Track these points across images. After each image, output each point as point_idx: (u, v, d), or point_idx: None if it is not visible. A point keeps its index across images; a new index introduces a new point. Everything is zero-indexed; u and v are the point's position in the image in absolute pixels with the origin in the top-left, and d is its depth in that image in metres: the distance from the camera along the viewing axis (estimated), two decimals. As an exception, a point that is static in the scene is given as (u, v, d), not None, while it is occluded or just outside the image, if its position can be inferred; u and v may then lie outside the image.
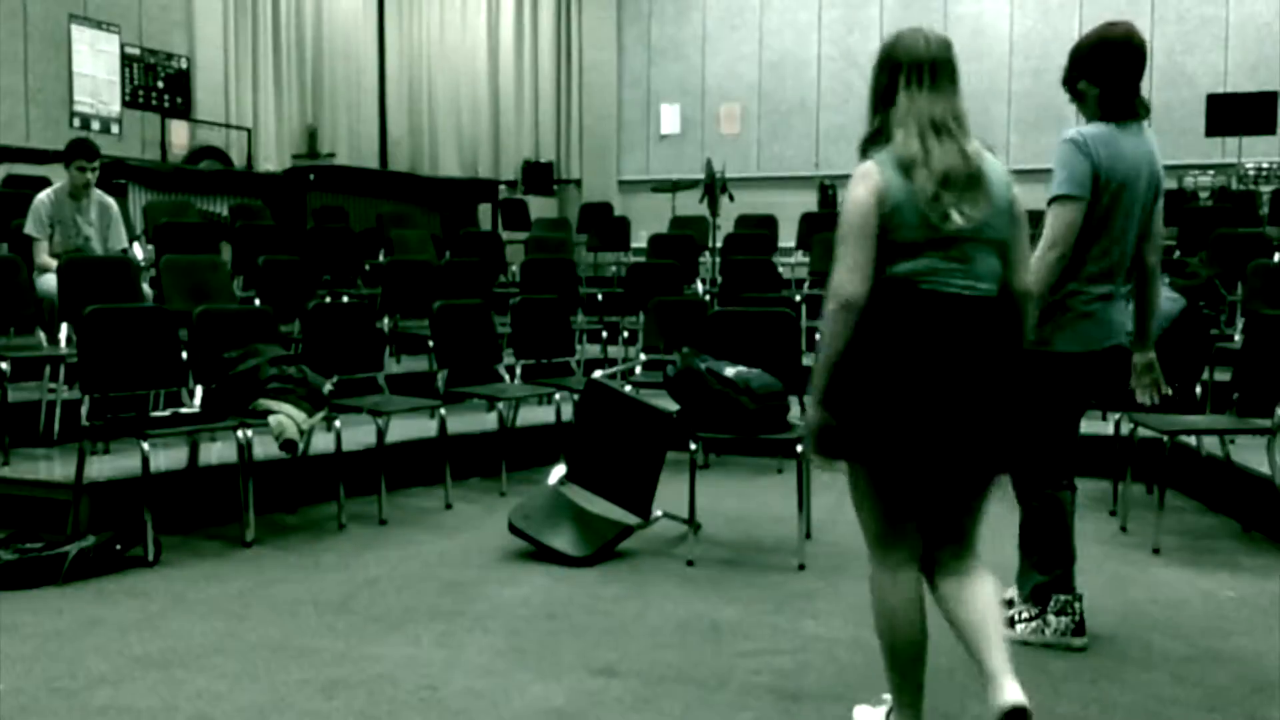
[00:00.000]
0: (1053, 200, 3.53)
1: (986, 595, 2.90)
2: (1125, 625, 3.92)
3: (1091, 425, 4.99)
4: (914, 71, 2.74)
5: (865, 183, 2.67)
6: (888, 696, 2.96)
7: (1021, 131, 12.04)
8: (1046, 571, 3.69)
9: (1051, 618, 3.70)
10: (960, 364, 2.64)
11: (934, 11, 12.51)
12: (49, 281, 6.14)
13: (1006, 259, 2.73)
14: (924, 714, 2.90)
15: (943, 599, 2.90)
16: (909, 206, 2.63)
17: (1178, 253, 9.29)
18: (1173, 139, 11.56)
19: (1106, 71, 3.57)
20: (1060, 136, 3.61)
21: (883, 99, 2.80)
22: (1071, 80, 3.66)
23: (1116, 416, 5.56)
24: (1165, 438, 4.99)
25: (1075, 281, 3.54)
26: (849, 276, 2.63)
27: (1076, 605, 3.70)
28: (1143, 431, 5.20)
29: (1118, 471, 5.51)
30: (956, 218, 2.63)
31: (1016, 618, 3.75)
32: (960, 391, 2.64)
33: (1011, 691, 2.65)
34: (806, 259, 9.85)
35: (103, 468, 5.11)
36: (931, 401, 2.62)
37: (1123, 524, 5.31)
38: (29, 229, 6.51)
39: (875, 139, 2.76)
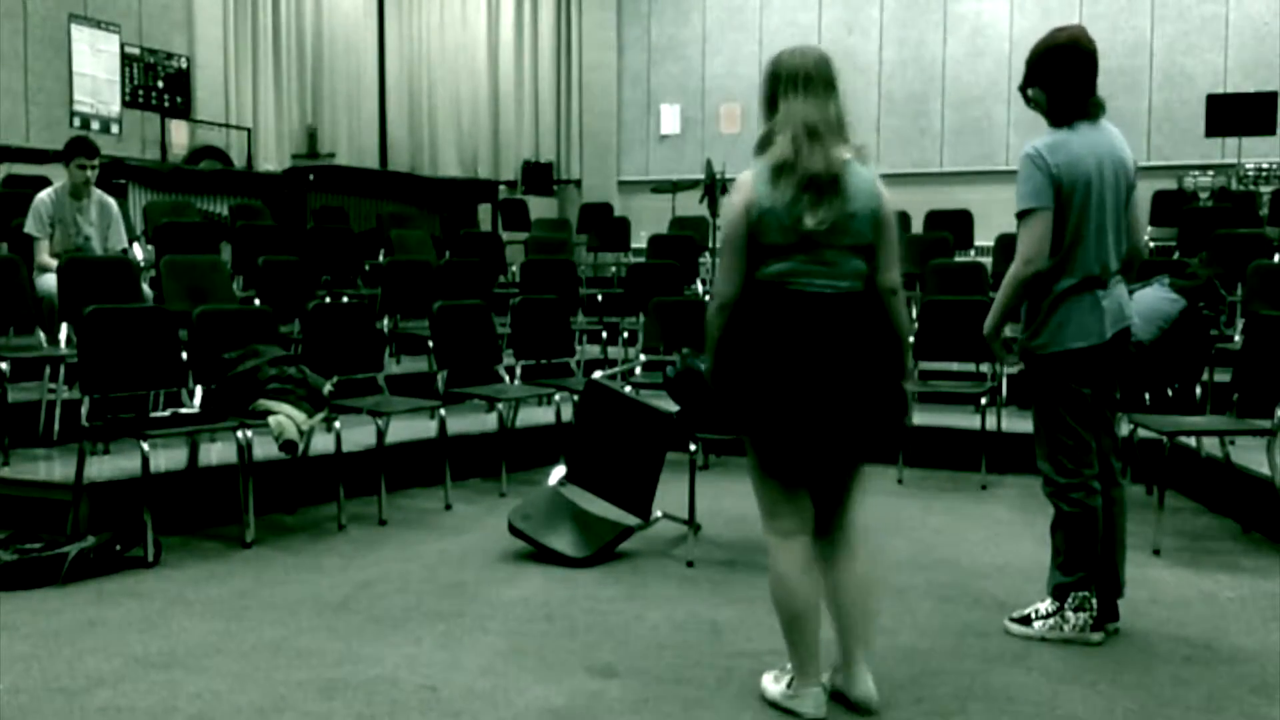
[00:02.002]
0: (1018, 216, 3.64)
1: (861, 579, 3.19)
2: (1125, 626, 3.91)
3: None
4: (791, 81, 3.04)
5: (738, 194, 3.03)
6: (790, 665, 3.20)
7: (1021, 132, 12.03)
8: (1070, 573, 3.73)
9: (1070, 614, 3.74)
10: (825, 355, 2.97)
11: (934, 11, 12.52)
12: (49, 281, 6.14)
13: (872, 260, 3.04)
14: (820, 675, 3.14)
15: (825, 572, 3.17)
16: (775, 212, 2.96)
17: (1177, 253, 9.29)
18: (1172, 139, 11.58)
19: (1055, 77, 3.69)
20: (1021, 153, 3.72)
21: (768, 107, 3.10)
22: (1024, 88, 3.77)
23: (1117, 418, 5.54)
24: (1165, 439, 4.99)
25: (1067, 278, 3.63)
26: (724, 280, 3.06)
27: (1094, 601, 3.73)
28: (1143, 432, 5.20)
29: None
30: (809, 220, 2.94)
31: (1034, 615, 3.80)
32: (826, 379, 2.97)
33: (865, 686, 3.12)
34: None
35: (103, 468, 5.11)
36: (801, 388, 2.97)
37: (1123, 525, 5.30)
38: (29, 228, 6.51)
39: (764, 144, 3.06)
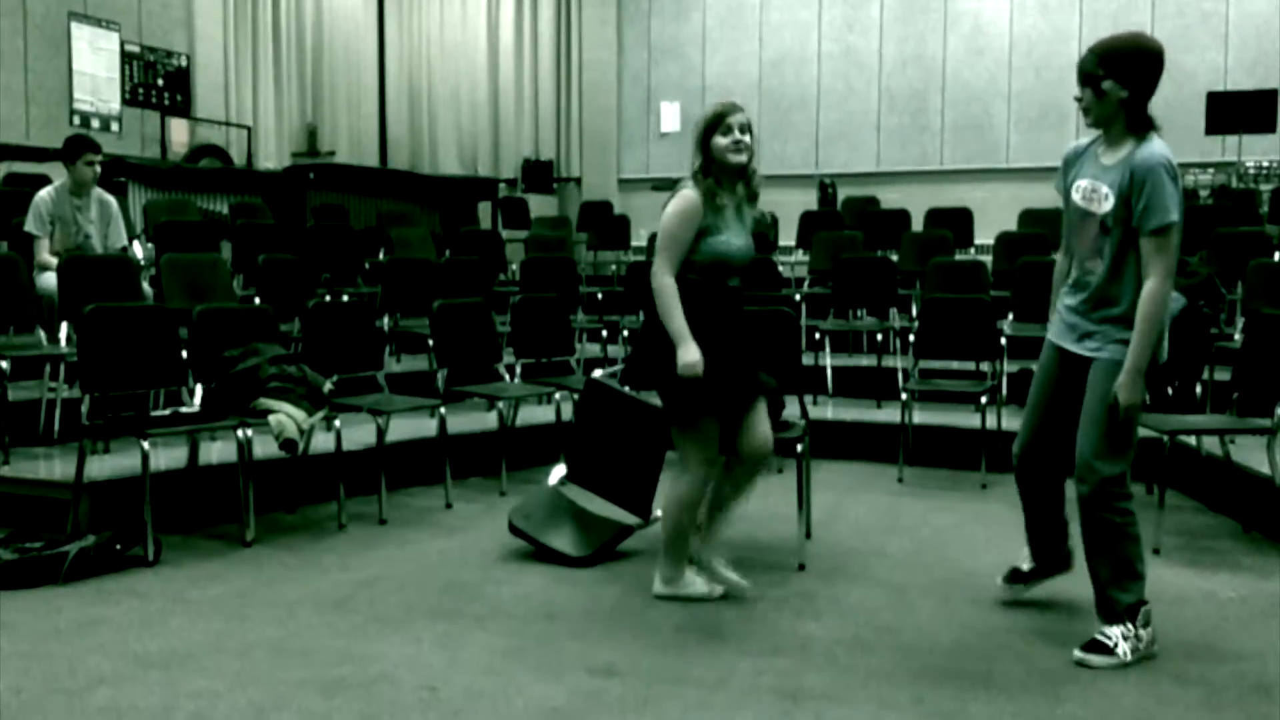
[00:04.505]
0: (1159, 230, 3.51)
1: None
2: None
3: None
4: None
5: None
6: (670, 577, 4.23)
7: (1021, 130, 12.04)
8: (1135, 590, 3.63)
9: (1142, 631, 3.62)
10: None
11: (934, 10, 12.52)
12: (49, 280, 6.14)
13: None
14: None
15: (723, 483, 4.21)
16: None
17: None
18: (1172, 137, 11.49)
19: (1143, 81, 3.58)
20: (1147, 158, 3.53)
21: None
22: (1095, 78, 3.61)
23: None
24: (1165, 437, 4.99)
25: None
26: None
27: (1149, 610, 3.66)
28: (1142, 431, 5.18)
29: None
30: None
31: (1109, 641, 3.59)
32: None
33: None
34: (806, 258, 9.85)
35: (103, 467, 5.11)
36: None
37: (1123, 523, 5.30)
38: (29, 226, 6.51)
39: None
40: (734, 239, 4.03)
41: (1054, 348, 3.85)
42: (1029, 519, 4.06)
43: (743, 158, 4.01)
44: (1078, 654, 3.60)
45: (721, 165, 4.01)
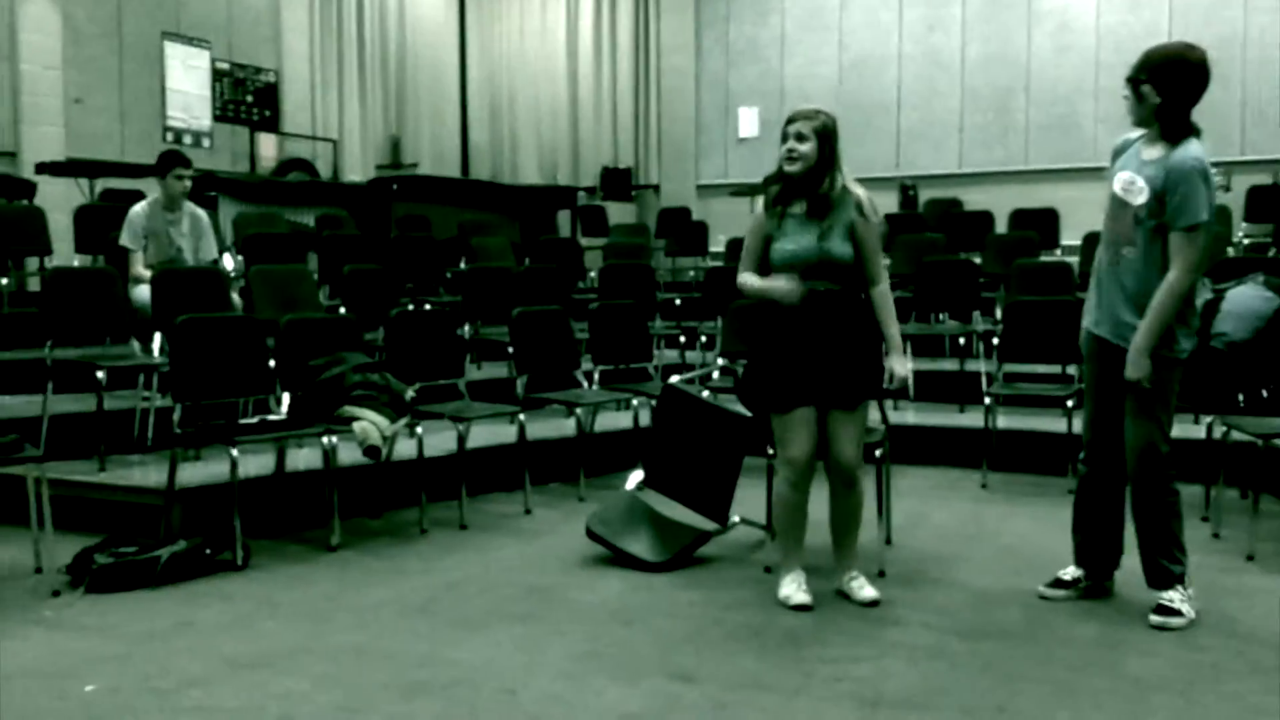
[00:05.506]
0: (1190, 228, 3.79)
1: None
2: (1219, 634, 3.81)
3: (1183, 429, 4.86)
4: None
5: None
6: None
7: (1110, 128, 11.74)
8: (1184, 559, 3.99)
9: (1191, 592, 3.98)
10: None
11: (1018, 6, 12.31)
12: (143, 292, 6.30)
13: None
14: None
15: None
16: None
17: (1273, 250, 9.01)
18: (1267, 132, 11.20)
19: (1174, 87, 3.82)
20: (1182, 161, 3.79)
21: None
22: (1137, 80, 3.88)
23: (1209, 419, 5.40)
24: (1259, 441, 4.84)
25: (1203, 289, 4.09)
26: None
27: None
28: (1236, 435, 5.05)
29: (1211, 476, 5.35)
30: None
31: (1171, 605, 3.91)
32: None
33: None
34: (888, 261, 9.71)
35: (194, 474, 5.24)
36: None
37: (1215, 530, 5.15)
38: (124, 241, 6.70)
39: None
40: (790, 244, 4.09)
41: (1092, 339, 4.09)
42: (1081, 524, 4.26)
43: (794, 167, 4.07)
44: (1155, 619, 3.90)
45: (782, 173, 4.13)
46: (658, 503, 5.00)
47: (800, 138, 4.04)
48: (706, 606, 4.20)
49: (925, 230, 10.21)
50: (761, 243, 4.15)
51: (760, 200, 4.23)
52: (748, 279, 4.19)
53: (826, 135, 4.06)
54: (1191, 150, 3.79)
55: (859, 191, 4.14)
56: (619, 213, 13.61)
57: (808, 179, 4.07)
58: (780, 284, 4.05)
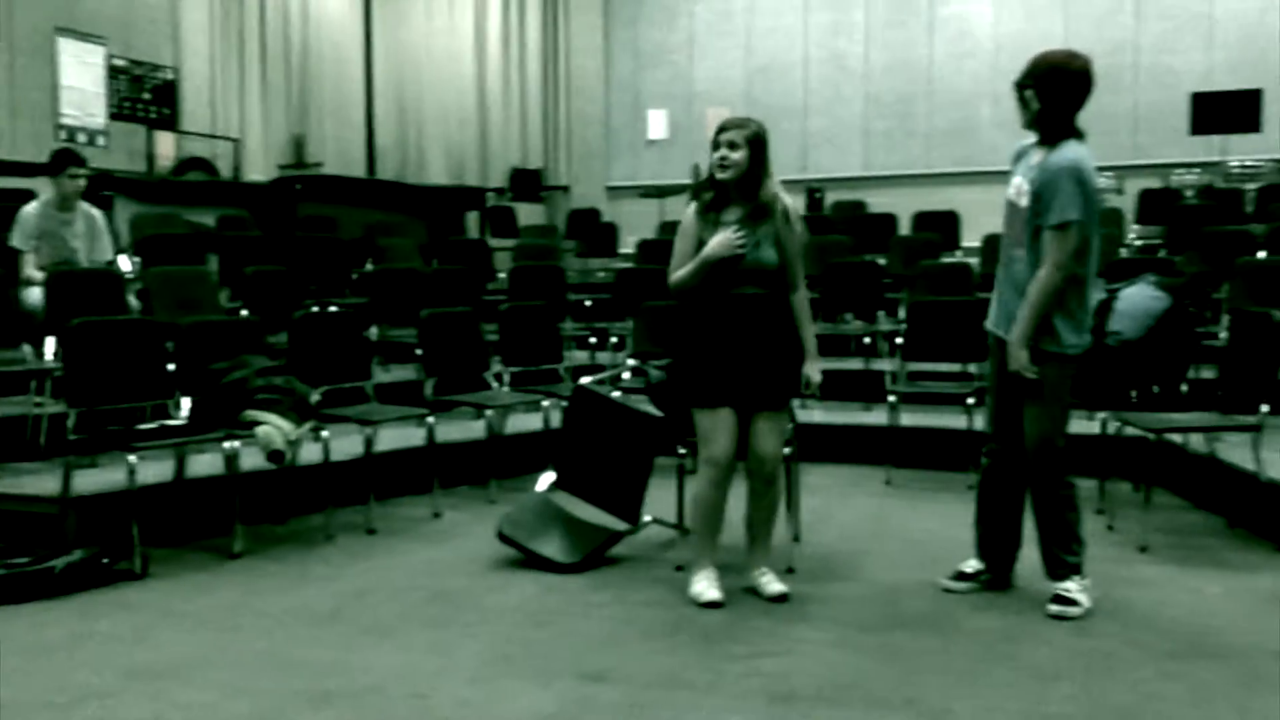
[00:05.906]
0: (1060, 226, 3.91)
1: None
2: (1113, 622, 3.93)
3: (1079, 424, 5.00)
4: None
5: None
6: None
7: (1007, 133, 12.05)
8: (1081, 550, 4.12)
9: (1087, 581, 4.10)
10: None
11: (919, 13, 12.57)
12: (35, 295, 6.12)
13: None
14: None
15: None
16: None
17: (1163, 251, 9.32)
18: (1157, 137, 11.62)
19: (1055, 95, 3.96)
20: (1057, 162, 3.94)
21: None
22: (1022, 86, 4.03)
23: (1103, 415, 5.57)
24: (1151, 435, 5.01)
25: (1092, 288, 4.09)
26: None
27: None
28: (1129, 429, 5.22)
29: (1105, 470, 5.53)
30: None
31: (1068, 595, 4.04)
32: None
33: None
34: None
35: (90, 481, 5.09)
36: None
37: (1110, 522, 5.32)
38: (15, 241, 6.48)
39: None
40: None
41: (994, 338, 4.23)
42: (983, 517, 4.39)
43: (727, 174, 4.15)
44: (1053, 608, 4.02)
45: (714, 180, 4.22)
46: (569, 504, 4.99)
47: (733, 145, 4.13)
48: (619, 606, 4.21)
49: (831, 232, 10.35)
50: (694, 247, 4.19)
51: (692, 206, 4.27)
52: (680, 272, 4.21)
53: (758, 143, 4.16)
54: (1067, 153, 3.92)
55: (785, 200, 4.25)
56: (528, 214, 13.57)
57: (740, 186, 4.16)
58: (713, 245, 4.09)
